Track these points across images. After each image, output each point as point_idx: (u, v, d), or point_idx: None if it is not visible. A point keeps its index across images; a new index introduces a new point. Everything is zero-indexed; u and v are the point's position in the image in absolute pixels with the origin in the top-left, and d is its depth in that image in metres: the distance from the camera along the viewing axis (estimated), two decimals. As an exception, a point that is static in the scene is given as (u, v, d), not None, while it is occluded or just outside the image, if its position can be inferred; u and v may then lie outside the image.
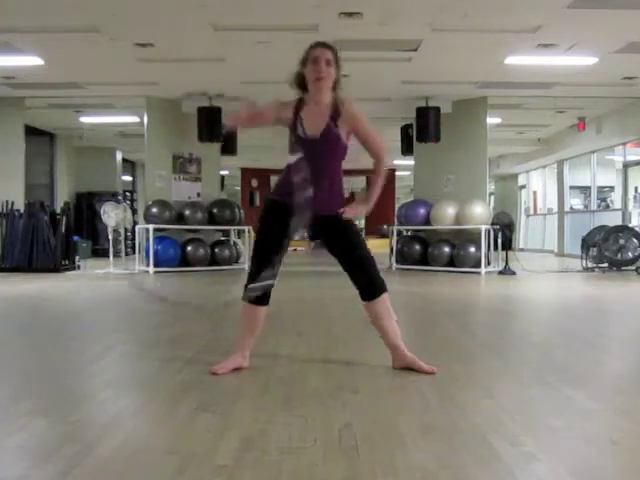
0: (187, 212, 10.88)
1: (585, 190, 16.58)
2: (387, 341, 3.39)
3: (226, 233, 11.55)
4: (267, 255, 3.26)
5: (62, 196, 14.54)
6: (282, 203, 3.26)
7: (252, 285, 3.27)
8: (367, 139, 3.33)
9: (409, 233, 11.64)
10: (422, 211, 11.07)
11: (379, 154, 3.35)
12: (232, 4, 6.78)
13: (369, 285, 3.32)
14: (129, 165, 19.02)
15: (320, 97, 3.27)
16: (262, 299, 3.32)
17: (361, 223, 25.75)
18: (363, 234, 22.43)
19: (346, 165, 3.38)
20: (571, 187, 16.93)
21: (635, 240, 10.66)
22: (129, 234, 13.15)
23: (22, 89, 10.26)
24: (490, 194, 19.07)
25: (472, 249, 10.45)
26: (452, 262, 10.62)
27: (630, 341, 4.54)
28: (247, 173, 22.17)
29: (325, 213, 3.30)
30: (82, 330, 4.98)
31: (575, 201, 17.44)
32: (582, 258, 10.97)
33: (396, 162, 19.41)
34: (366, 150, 3.37)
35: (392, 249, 11.33)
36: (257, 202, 21.94)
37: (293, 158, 3.28)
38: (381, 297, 3.33)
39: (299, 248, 20.23)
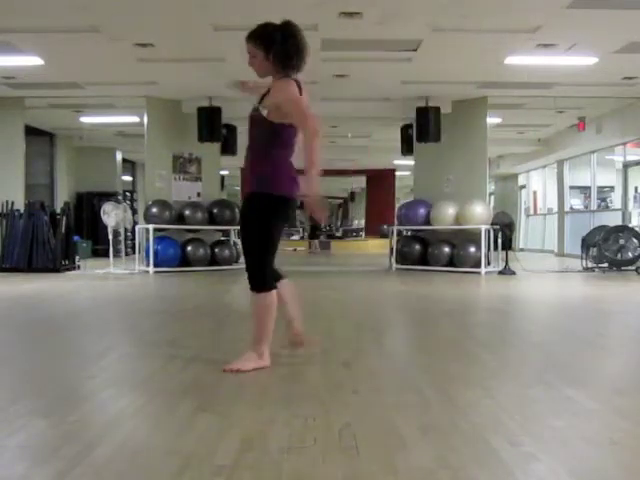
0: (187, 212, 10.87)
1: (585, 190, 16.56)
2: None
3: (226, 233, 11.54)
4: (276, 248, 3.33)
5: (62, 196, 14.52)
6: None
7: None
8: (287, 111, 3.21)
9: (409, 233, 11.64)
10: (422, 211, 11.07)
11: (303, 123, 3.15)
12: (232, 4, 6.77)
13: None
14: (129, 165, 19.00)
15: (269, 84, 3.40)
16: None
17: (362, 223, 25.70)
18: (363, 234, 22.46)
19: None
20: (571, 187, 16.91)
21: (635, 240, 10.66)
22: (129, 234, 13.14)
23: (22, 89, 10.26)
24: (490, 194, 19.06)
25: (472, 249, 10.44)
26: (452, 262, 10.61)
27: (630, 341, 4.54)
28: (247, 173, 22.12)
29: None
30: (82, 330, 4.98)
31: (575, 201, 17.42)
32: (582, 258, 10.96)
33: (396, 162, 19.42)
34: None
35: (392, 249, 11.32)
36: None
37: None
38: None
39: (299, 248, 20.22)
